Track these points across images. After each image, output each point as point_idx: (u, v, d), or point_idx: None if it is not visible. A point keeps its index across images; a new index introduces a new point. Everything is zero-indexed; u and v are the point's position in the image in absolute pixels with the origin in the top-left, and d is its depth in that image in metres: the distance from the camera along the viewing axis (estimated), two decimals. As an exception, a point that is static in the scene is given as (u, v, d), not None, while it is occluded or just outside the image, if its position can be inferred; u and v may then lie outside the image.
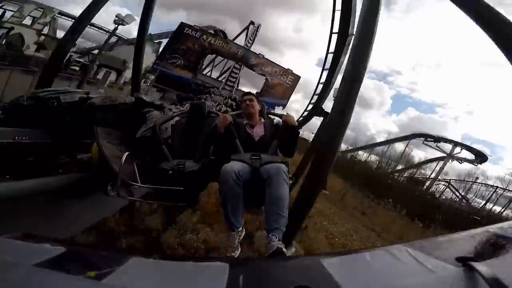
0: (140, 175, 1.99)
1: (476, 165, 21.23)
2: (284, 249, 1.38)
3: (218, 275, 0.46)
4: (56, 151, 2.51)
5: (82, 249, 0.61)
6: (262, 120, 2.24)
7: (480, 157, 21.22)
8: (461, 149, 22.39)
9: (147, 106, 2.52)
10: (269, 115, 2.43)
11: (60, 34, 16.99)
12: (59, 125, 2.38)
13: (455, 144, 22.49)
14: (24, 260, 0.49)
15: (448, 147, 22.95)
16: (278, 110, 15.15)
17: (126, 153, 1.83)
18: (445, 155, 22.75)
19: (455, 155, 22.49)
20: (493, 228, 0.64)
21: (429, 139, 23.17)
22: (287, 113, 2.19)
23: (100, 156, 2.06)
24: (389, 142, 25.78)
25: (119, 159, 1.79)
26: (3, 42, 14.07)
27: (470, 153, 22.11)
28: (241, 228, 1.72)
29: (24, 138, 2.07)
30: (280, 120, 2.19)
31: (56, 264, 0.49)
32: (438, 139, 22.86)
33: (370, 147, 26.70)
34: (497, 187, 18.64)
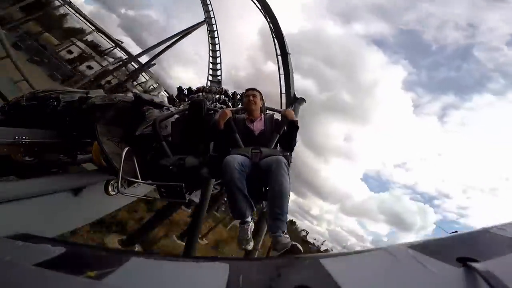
0: (141, 171, 1.98)
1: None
2: (299, 246, 1.26)
3: (218, 275, 0.46)
4: (56, 151, 2.51)
5: (82, 249, 0.61)
6: (262, 115, 2.22)
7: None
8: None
9: (146, 104, 2.51)
10: (268, 111, 2.40)
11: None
12: (59, 125, 2.38)
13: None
14: (24, 260, 0.49)
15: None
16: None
17: (126, 149, 1.82)
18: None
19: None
20: (493, 228, 0.64)
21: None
22: (290, 107, 2.16)
23: (101, 154, 2.06)
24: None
25: (119, 156, 1.78)
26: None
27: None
28: (249, 219, 1.68)
29: (24, 137, 2.07)
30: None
31: (56, 264, 0.49)
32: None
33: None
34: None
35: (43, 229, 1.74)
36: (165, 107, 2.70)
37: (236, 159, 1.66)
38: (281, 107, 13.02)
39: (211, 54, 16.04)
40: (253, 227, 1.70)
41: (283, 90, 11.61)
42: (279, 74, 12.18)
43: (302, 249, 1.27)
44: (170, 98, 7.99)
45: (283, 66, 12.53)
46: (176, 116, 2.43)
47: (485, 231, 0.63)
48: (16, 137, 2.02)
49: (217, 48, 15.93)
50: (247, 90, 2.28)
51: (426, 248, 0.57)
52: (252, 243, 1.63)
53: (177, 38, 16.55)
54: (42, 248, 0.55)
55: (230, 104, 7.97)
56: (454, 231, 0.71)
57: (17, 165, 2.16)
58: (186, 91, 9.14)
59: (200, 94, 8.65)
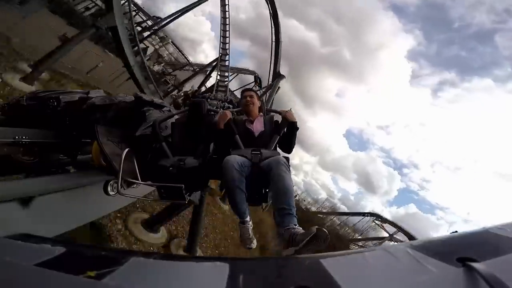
0: (140, 172, 1.98)
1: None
2: (325, 230, 1.14)
3: (218, 275, 0.46)
4: (56, 151, 2.51)
5: (82, 249, 0.61)
6: (262, 115, 2.23)
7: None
8: (398, 232, 26.87)
9: (147, 104, 2.51)
10: (269, 111, 2.41)
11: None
12: (59, 125, 2.38)
13: (398, 228, 26.88)
14: (24, 260, 0.49)
15: (390, 229, 27.52)
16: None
17: (126, 150, 1.82)
18: (387, 235, 27.52)
19: (394, 236, 26.70)
20: (493, 228, 0.64)
21: (378, 219, 28.70)
22: (290, 108, 2.17)
23: (101, 154, 2.06)
24: (349, 214, 32.76)
25: (119, 157, 1.79)
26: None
27: (405, 236, 25.66)
28: (249, 218, 1.71)
29: (24, 137, 2.07)
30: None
31: (56, 264, 0.49)
32: (385, 221, 28.21)
33: (335, 214, 33.01)
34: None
35: (43, 229, 1.75)
36: (165, 108, 2.70)
37: (236, 159, 1.67)
38: (268, 79, 16.37)
39: (222, 28, 17.28)
40: (252, 225, 1.74)
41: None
42: (271, 56, 16.51)
43: (328, 233, 1.13)
44: (176, 104, 8.09)
45: (275, 49, 16.44)
46: (176, 117, 2.43)
47: (485, 231, 0.64)
48: (16, 137, 2.02)
49: (227, 22, 17.28)
50: (244, 91, 2.31)
51: (426, 248, 0.57)
52: (255, 242, 1.69)
53: (190, 7, 17.08)
54: (42, 248, 0.55)
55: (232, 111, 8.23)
56: (454, 231, 0.71)
57: (17, 165, 2.16)
58: (191, 95, 9.43)
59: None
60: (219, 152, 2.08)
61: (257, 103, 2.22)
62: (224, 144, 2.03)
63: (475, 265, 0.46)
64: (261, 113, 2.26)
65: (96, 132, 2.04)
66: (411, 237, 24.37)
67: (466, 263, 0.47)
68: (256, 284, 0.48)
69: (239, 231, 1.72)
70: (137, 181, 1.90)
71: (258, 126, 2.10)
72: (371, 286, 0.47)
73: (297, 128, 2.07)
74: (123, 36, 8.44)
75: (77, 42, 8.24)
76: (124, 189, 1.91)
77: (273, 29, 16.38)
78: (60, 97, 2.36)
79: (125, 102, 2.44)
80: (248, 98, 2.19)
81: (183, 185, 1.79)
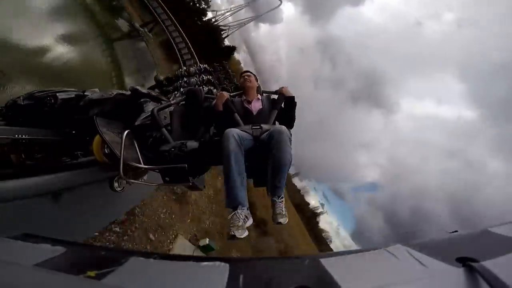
0: (143, 160, 1.98)
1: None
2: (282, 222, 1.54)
3: (218, 275, 0.46)
4: (56, 150, 2.50)
5: (82, 249, 0.61)
6: (259, 95, 2.26)
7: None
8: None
9: (143, 96, 2.53)
10: (264, 93, 2.46)
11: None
12: (57, 123, 2.37)
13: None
14: (24, 260, 0.49)
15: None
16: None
17: (127, 131, 1.81)
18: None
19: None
20: (493, 228, 0.64)
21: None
22: (286, 87, 2.22)
23: (102, 148, 2.06)
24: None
25: (120, 144, 1.79)
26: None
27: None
28: (245, 209, 1.47)
29: (24, 137, 2.07)
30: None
31: (56, 264, 0.49)
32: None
33: None
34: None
35: (43, 229, 1.75)
36: (162, 100, 2.72)
37: (236, 131, 1.64)
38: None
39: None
40: (249, 215, 1.48)
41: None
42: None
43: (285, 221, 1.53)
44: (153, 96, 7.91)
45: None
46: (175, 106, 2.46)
47: (485, 231, 0.64)
48: (16, 136, 2.02)
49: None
50: (242, 72, 2.38)
51: (426, 248, 0.57)
52: (245, 233, 1.40)
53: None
54: (42, 248, 0.55)
55: (213, 80, 8.06)
56: (454, 230, 0.71)
57: (17, 165, 2.16)
58: (165, 81, 9.00)
59: (180, 81, 8.52)
60: (219, 134, 2.08)
61: (255, 83, 2.26)
62: (224, 125, 2.02)
63: (475, 265, 0.46)
64: (258, 94, 2.30)
65: (96, 123, 2.05)
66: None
67: (466, 263, 0.47)
68: (256, 284, 0.48)
69: (229, 218, 1.44)
70: (140, 165, 1.90)
71: (256, 104, 2.13)
72: (371, 286, 0.47)
73: (295, 103, 2.10)
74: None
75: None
76: (126, 181, 1.90)
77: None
78: (57, 94, 2.36)
79: (121, 94, 2.46)
80: (246, 77, 2.25)
81: (186, 165, 1.78)
